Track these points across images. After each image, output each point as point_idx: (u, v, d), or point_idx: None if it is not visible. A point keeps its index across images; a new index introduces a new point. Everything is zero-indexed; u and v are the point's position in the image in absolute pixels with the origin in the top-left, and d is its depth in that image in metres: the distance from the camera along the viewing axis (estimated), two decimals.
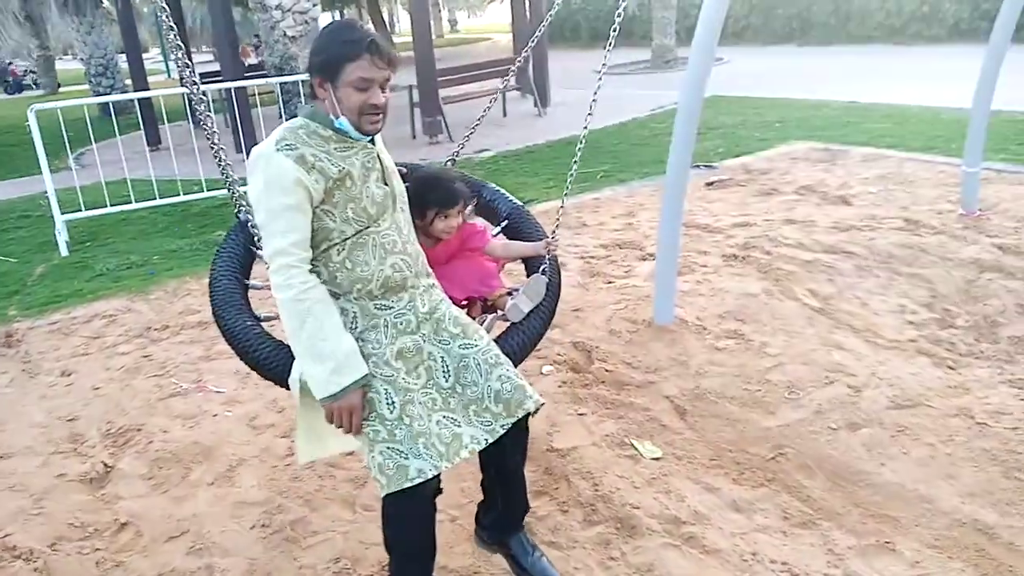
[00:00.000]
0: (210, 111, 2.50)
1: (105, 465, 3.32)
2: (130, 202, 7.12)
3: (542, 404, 2.18)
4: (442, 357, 2.17)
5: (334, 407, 2.02)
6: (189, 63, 2.41)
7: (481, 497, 2.51)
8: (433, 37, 11.77)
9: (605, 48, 3.13)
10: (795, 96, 12.04)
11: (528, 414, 2.17)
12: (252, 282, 2.63)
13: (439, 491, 2.16)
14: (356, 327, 2.13)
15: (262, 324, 2.45)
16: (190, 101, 2.48)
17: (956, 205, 5.80)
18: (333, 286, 2.13)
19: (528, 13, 13.77)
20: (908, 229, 5.41)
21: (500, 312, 2.62)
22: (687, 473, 3.00)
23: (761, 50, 20.39)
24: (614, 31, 3.11)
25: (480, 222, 2.82)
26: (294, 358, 2.14)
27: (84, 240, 7.00)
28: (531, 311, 2.58)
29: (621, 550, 2.60)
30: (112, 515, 2.99)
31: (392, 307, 2.16)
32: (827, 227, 5.59)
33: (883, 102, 10.78)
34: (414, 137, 11.18)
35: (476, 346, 2.20)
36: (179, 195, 7.22)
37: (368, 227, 2.12)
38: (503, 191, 3.06)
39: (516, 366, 2.27)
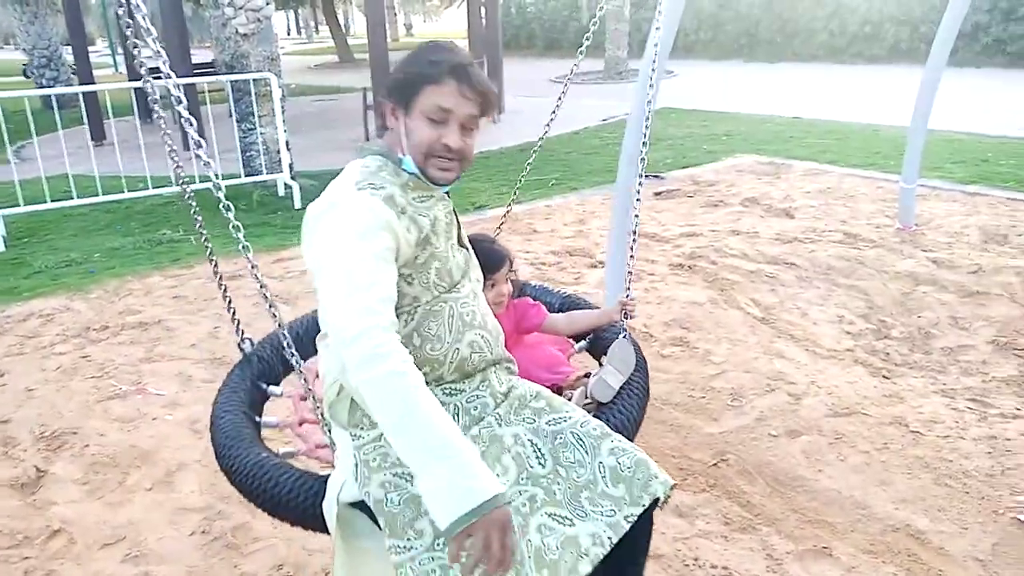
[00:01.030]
0: (183, 105, 2.09)
1: (37, 469, 3.22)
2: (72, 198, 6.92)
3: (673, 487, 1.69)
4: (530, 440, 1.68)
5: (474, 528, 1.31)
6: (162, 52, 2.13)
7: None
8: (389, 40, 11.72)
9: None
10: (742, 110, 12.30)
11: (656, 500, 1.66)
12: (266, 419, 2.22)
13: None
14: None
15: (280, 458, 1.93)
16: (162, 96, 2.28)
17: (893, 220, 5.99)
18: None
19: (484, 19, 13.81)
20: (847, 242, 5.58)
21: (583, 390, 2.07)
22: None
23: (710, 64, 20.77)
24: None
25: (531, 299, 2.38)
26: (325, 484, 1.67)
27: (22, 236, 6.78)
28: (622, 387, 2.05)
29: None
30: (44, 521, 2.90)
31: (465, 390, 1.72)
32: (770, 239, 5.73)
33: (825, 118, 11.09)
34: (367, 139, 11.11)
35: (570, 419, 1.71)
36: (123, 192, 7.04)
37: (447, 292, 1.70)
38: (547, 286, 2.72)
39: None
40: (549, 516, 1.58)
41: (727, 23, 22.11)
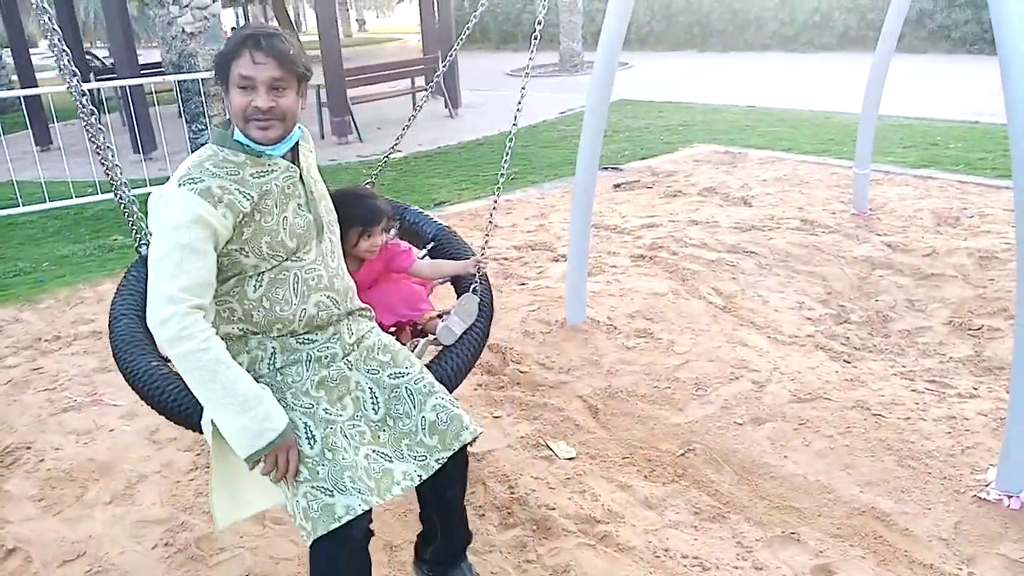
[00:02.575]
0: (101, 108, 2.34)
1: None
2: (17, 205, 6.72)
3: (479, 434, 2.07)
4: (371, 388, 2.03)
5: (267, 456, 1.81)
6: (67, 50, 2.19)
7: (420, 528, 2.37)
8: (341, 36, 11.59)
9: (528, 55, 3.10)
10: (697, 100, 12.40)
11: (465, 445, 2.04)
12: None
13: (370, 533, 1.95)
14: (275, 363, 1.98)
15: (169, 365, 2.24)
16: (81, 97, 2.31)
17: (848, 205, 6.09)
18: (249, 324, 1.96)
19: (436, 14, 13.72)
20: (804, 229, 5.65)
21: (431, 336, 2.50)
22: (600, 472, 3.04)
23: (664, 55, 20.91)
24: (535, 39, 3.11)
25: (404, 244, 2.71)
26: None
27: None
28: (464, 332, 2.46)
29: (537, 552, 2.61)
30: None
31: (316, 340, 2.00)
32: (729, 227, 5.78)
33: (779, 107, 11.23)
34: (323, 137, 10.97)
35: (408, 374, 2.06)
36: (71, 198, 6.86)
37: (287, 259, 1.94)
38: (426, 213, 2.98)
39: (452, 392, 2.17)
40: (373, 451, 1.94)
41: (679, 14, 22.26)
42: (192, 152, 7.59)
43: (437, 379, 2.14)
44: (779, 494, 2.86)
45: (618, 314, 4.37)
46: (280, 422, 1.82)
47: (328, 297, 2.01)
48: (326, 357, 2.01)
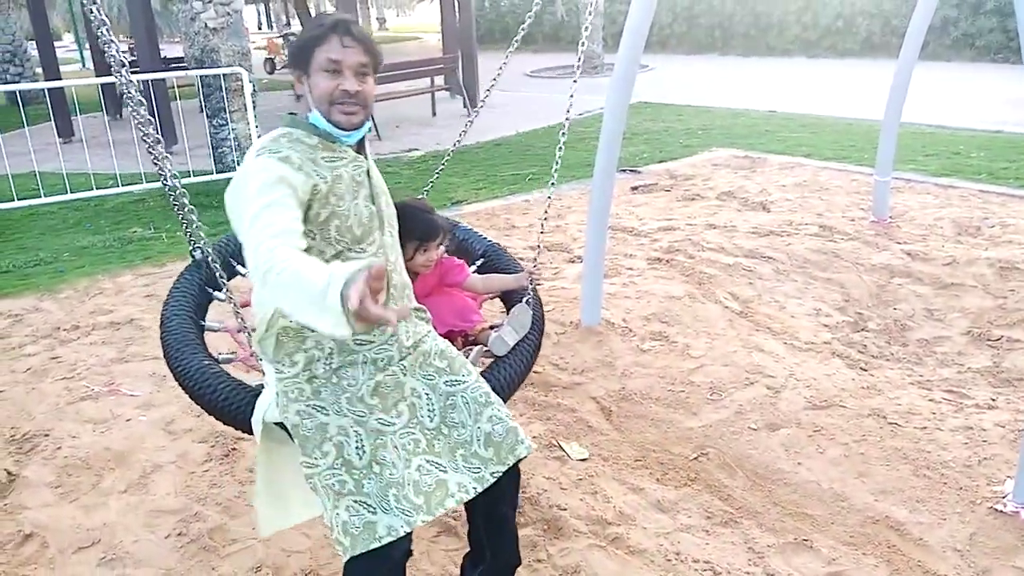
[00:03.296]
0: (142, 102, 2.27)
1: (8, 473, 3.15)
2: (39, 196, 6.79)
3: (533, 449, 2.02)
4: (427, 394, 1.97)
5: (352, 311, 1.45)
6: (114, 41, 2.16)
7: (468, 549, 2.34)
8: None
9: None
10: (717, 104, 12.36)
11: (520, 459, 1.99)
12: (208, 323, 2.46)
13: (409, 554, 1.89)
14: (332, 363, 1.92)
15: (221, 365, 2.26)
16: (123, 92, 2.29)
17: (868, 212, 6.04)
18: None
19: (457, 13, 13.74)
20: (823, 235, 5.61)
21: (484, 347, 2.52)
22: (613, 474, 3.03)
23: (684, 59, 20.85)
24: (581, 45, 3.17)
25: (457, 260, 2.72)
26: (256, 398, 1.97)
27: None
28: (516, 344, 2.47)
29: (548, 552, 2.61)
30: (16, 526, 2.83)
31: (373, 341, 1.93)
32: (747, 232, 5.75)
33: (800, 112, 11.17)
34: None
35: (464, 382, 2.00)
36: (92, 189, 6.92)
37: (351, 248, 1.90)
38: (476, 230, 3.03)
39: (504, 403, 2.12)
40: (427, 461, 1.89)
41: (701, 16, 22.20)
42: (214, 145, 7.56)
43: (492, 388, 2.11)
44: (792, 501, 2.85)
45: (633, 316, 4.36)
46: (349, 268, 1.48)
47: (387, 293, 1.96)
48: (382, 360, 1.95)
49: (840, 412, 3.37)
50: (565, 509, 2.80)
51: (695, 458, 3.11)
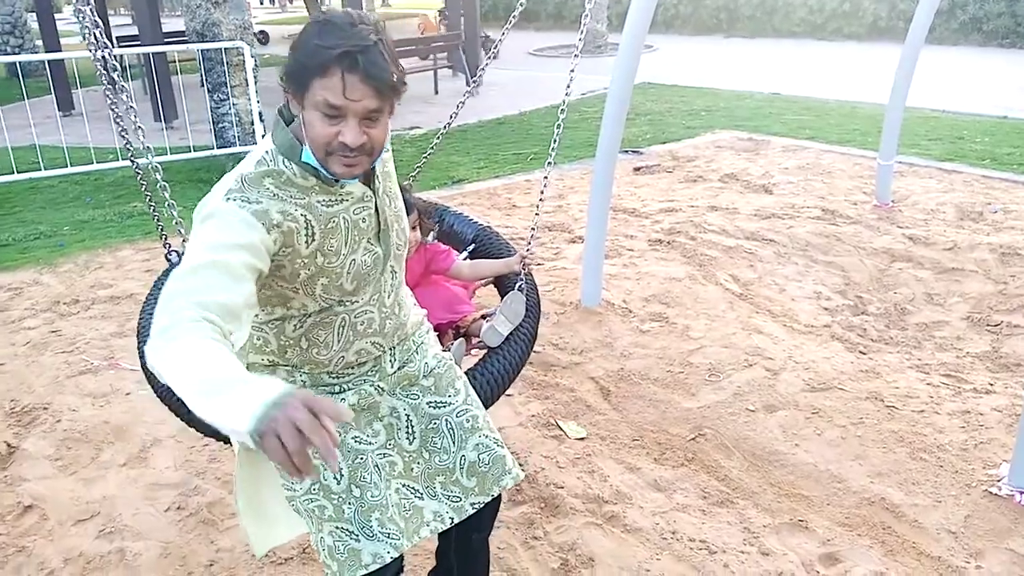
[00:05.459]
0: (125, 77, 2.23)
1: (8, 445, 3.16)
2: (39, 169, 6.76)
3: (521, 479, 1.87)
4: (407, 415, 1.80)
5: (274, 425, 1.08)
6: (99, 22, 2.13)
7: (433, 563, 2.20)
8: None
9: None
10: (721, 86, 12.28)
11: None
12: None
13: (401, 569, 1.80)
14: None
15: None
16: (105, 63, 2.27)
17: (870, 196, 6.02)
18: (279, 358, 1.70)
19: None
20: (825, 218, 5.60)
21: (476, 339, 2.36)
22: (610, 453, 3.04)
23: (689, 39, 20.69)
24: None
25: (443, 246, 2.58)
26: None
27: None
28: (511, 333, 2.29)
29: (544, 529, 2.62)
30: (15, 498, 2.85)
31: (352, 374, 1.74)
32: (749, 214, 5.73)
33: (804, 95, 11.10)
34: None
35: (450, 405, 1.82)
36: (92, 163, 6.89)
37: (341, 303, 1.64)
38: (465, 214, 2.87)
39: (498, 398, 2.01)
40: (403, 486, 1.75)
41: None
42: (215, 120, 7.42)
43: (482, 384, 1.98)
44: (789, 482, 2.86)
45: (633, 297, 4.36)
46: (273, 390, 1.13)
47: (373, 344, 1.73)
48: (364, 387, 1.78)
49: (838, 395, 3.38)
50: (562, 487, 2.82)
51: (692, 438, 3.12)
